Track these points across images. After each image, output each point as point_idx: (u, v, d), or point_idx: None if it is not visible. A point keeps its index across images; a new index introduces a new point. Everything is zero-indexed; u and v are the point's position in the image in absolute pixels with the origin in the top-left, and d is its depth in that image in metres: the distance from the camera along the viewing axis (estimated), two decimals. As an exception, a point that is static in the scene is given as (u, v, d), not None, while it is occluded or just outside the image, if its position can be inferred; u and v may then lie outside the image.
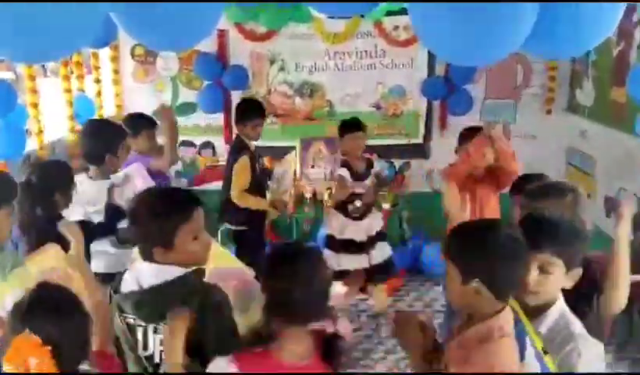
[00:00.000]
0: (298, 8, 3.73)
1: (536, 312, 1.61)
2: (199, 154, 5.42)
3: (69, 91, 4.37)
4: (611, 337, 1.95)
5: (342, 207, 4.06)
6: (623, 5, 1.50)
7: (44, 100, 4.05)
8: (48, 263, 2.12)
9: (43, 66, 5.80)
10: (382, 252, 4.10)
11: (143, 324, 1.71)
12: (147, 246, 1.71)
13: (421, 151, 5.25)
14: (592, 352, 1.53)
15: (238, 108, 3.93)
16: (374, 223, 4.15)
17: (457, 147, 3.51)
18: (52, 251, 2.17)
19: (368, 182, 4.10)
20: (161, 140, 3.50)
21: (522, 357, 1.55)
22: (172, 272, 1.68)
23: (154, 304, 1.67)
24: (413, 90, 5.24)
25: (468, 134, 3.37)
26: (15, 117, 3.55)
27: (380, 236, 4.17)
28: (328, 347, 1.52)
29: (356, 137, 4.02)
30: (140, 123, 3.45)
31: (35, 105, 3.84)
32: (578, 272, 1.61)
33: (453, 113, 5.20)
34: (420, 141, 5.34)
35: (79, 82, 4.73)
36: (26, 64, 3.63)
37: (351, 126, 4.07)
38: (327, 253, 4.04)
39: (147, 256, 1.71)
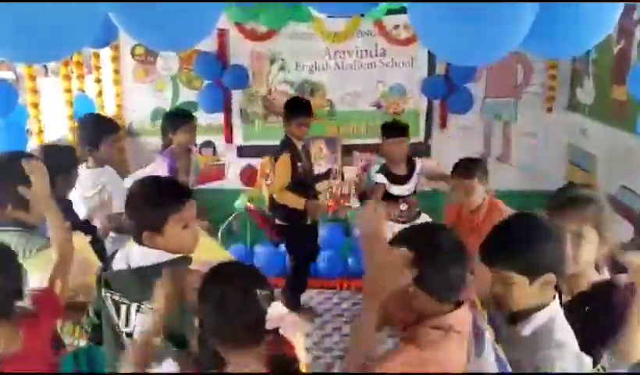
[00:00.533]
0: (298, 7, 3.72)
1: (522, 315, 1.59)
2: (199, 153, 5.42)
3: (69, 90, 4.37)
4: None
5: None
6: (621, 4, 1.50)
7: (45, 100, 4.06)
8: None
9: (44, 65, 5.80)
10: None
11: (127, 302, 1.78)
12: (138, 230, 1.78)
13: (421, 149, 5.25)
14: (569, 362, 1.49)
15: (284, 106, 3.97)
16: None
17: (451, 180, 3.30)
18: (75, 238, 2.25)
19: (412, 184, 3.91)
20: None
21: (480, 353, 1.56)
22: (160, 256, 1.76)
23: (138, 284, 1.74)
24: (413, 89, 5.23)
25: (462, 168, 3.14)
26: (15, 117, 3.56)
27: None
28: (280, 369, 1.44)
29: (398, 142, 3.80)
30: (177, 119, 3.64)
31: (36, 105, 3.84)
32: (548, 278, 1.54)
33: (453, 112, 5.20)
34: (421, 139, 5.34)
35: (79, 82, 4.73)
36: (26, 64, 3.64)
37: (393, 130, 3.85)
38: None
39: (138, 239, 1.79)
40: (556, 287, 1.79)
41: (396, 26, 5.05)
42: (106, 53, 5.11)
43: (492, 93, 5.27)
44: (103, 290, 1.84)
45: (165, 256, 1.77)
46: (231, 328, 1.40)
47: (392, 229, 3.85)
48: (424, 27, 1.52)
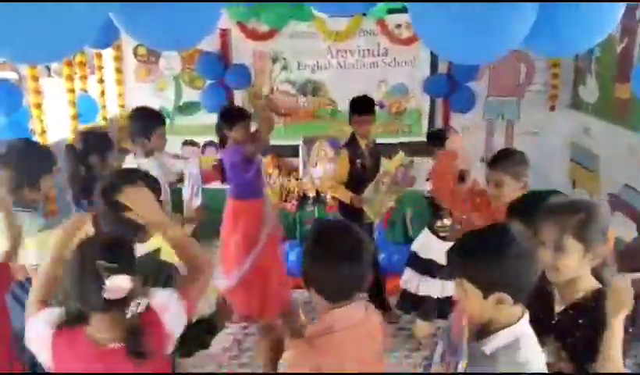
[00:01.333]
0: (299, 6, 3.73)
1: (486, 331, 1.54)
2: (202, 153, 5.42)
3: (72, 91, 4.37)
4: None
5: (430, 223, 3.69)
6: (623, 3, 1.50)
7: (47, 100, 4.06)
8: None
9: (47, 66, 5.82)
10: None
11: None
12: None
13: (424, 148, 5.24)
14: None
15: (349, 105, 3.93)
16: None
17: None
18: (85, 218, 2.34)
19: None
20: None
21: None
22: (139, 249, 1.81)
23: None
24: (415, 88, 5.23)
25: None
26: (18, 117, 3.58)
27: None
28: (134, 335, 1.53)
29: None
30: (236, 115, 3.71)
31: (38, 106, 3.84)
32: (501, 297, 1.47)
33: (455, 111, 5.19)
34: (423, 138, 5.33)
35: (82, 82, 4.74)
36: (27, 65, 3.65)
37: (440, 137, 3.49)
38: (409, 273, 3.71)
39: None
40: (547, 299, 1.76)
41: (398, 26, 5.04)
42: (108, 53, 5.12)
43: (494, 92, 5.26)
44: None
45: (139, 251, 1.82)
46: (77, 293, 1.51)
47: (431, 244, 3.61)
48: (424, 27, 1.52)
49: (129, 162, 3.24)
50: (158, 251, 1.94)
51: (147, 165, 3.13)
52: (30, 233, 2.27)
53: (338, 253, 1.52)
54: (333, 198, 4.17)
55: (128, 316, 1.50)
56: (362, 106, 3.81)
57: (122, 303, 1.49)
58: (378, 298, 4.09)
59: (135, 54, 5.27)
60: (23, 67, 4.48)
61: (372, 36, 5.12)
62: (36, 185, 2.38)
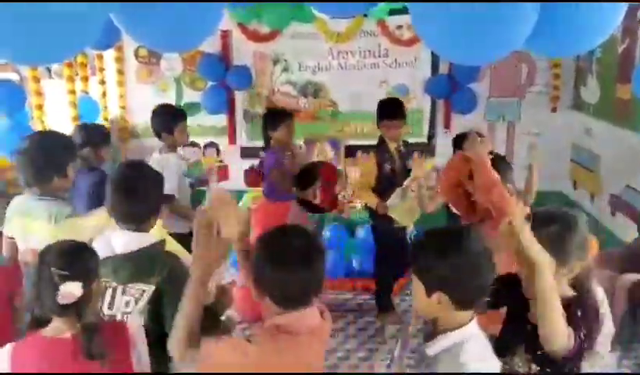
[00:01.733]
0: (300, 7, 3.73)
1: (433, 333, 1.55)
2: (203, 154, 5.43)
3: (73, 92, 4.38)
4: (616, 337, 1.90)
5: None
6: (624, 3, 1.49)
7: (49, 101, 4.07)
8: (102, 221, 2.38)
9: (47, 68, 5.84)
10: None
11: (113, 285, 1.90)
12: (136, 217, 1.97)
13: (425, 149, 5.24)
14: None
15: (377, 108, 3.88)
16: None
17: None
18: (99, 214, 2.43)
19: None
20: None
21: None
22: (144, 240, 1.94)
23: (130, 267, 1.90)
24: (416, 89, 5.23)
25: (461, 140, 3.13)
26: (19, 118, 3.58)
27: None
28: (88, 334, 1.60)
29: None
30: (279, 116, 3.75)
31: (40, 107, 3.85)
32: (441, 297, 1.47)
33: (457, 112, 5.19)
34: (424, 139, 5.34)
35: (83, 83, 4.75)
36: (28, 65, 3.66)
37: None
38: None
39: (132, 226, 1.96)
40: (522, 309, 1.73)
41: (399, 27, 5.05)
42: (110, 54, 5.13)
43: (495, 92, 5.26)
44: None
45: (149, 240, 1.94)
46: (35, 298, 1.63)
47: None
48: (425, 27, 1.52)
49: (156, 157, 3.36)
50: (163, 242, 1.99)
51: (170, 160, 3.32)
52: (57, 222, 2.31)
53: (288, 258, 1.50)
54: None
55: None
56: (392, 110, 3.73)
57: (77, 307, 1.60)
58: (384, 298, 4.07)
59: (136, 55, 5.28)
60: (24, 68, 4.49)
61: (373, 37, 5.13)
62: (64, 172, 2.42)
